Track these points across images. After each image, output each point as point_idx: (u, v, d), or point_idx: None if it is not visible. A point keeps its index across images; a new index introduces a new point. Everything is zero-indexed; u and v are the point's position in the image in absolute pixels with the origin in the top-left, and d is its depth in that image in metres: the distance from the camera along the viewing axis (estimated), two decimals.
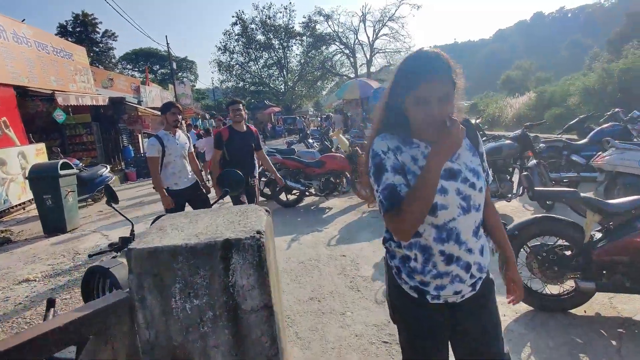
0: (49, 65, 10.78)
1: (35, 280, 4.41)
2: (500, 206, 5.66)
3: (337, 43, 34.29)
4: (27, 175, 6.20)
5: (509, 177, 5.28)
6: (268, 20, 36.33)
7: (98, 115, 14.07)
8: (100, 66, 36.45)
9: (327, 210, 6.71)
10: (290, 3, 43.58)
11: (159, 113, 16.37)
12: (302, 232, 5.41)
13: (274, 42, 37.31)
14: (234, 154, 4.27)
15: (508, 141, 5.26)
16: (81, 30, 47.23)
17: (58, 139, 13.31)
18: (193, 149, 4.43)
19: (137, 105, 16.20)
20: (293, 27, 36.67)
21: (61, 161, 6.29)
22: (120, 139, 15.14)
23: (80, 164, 8.63)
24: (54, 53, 11.21)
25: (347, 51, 34.13)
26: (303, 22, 35.81)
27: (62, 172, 6.15)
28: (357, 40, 33.47)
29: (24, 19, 9.88)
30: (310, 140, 12.79)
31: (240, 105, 4.37)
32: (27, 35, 9.83)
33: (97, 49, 48.38)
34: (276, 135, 29.41)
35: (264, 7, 36.29)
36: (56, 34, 39.90)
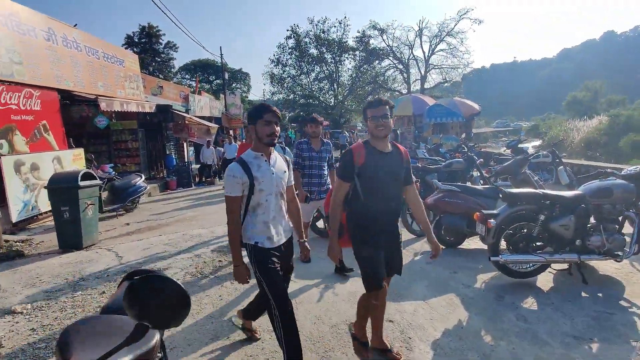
0: (98, 70, 10.75)
1: (22, 314, 3.75)
2: (605, 266, 4.31)
3: (390, 58, 33.26)
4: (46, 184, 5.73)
5: (618, 228, 3.95)
6: (322, 35, 36.20)
7: (146, 122, 14.07)
8: (160, 75, 38.12)
9: None
10: (345, 17, 43.24)
11: (206, 123, 16.20)
12: (339, 276, 4.40)
13: (326, 56, 37.09)
14: (373, 190, 2.57)
15: (620, 180, 3.95)
16: (146, 41, 50.19)
17: (105, 144, 13.44)
18: (294, 181, 2.79)
19: (184, 114, 16.14)
20: (346, 41, 36.29)
21: (83, 171, 5.79)
22: (167, 147, 15.07)
23: (113, 172, 8.28)
24: (104, 59, 11.21)
25: (400, 66, 32.96)
26: (357, 37, 35.29)
27: (82, 184, 5.63)
28: (411, 55, 32.26)
29: (75, 24, 9.91)
30: None
31: (387, 107, 2.53)
32: (78, 39, 9.81)
33: (159, 59, 51.12)
34: None
35: (318, 21, 36.24)
36: (123, 45, 42.54)
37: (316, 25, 36.23)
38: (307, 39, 36.77)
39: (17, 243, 6.13)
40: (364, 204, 2.58)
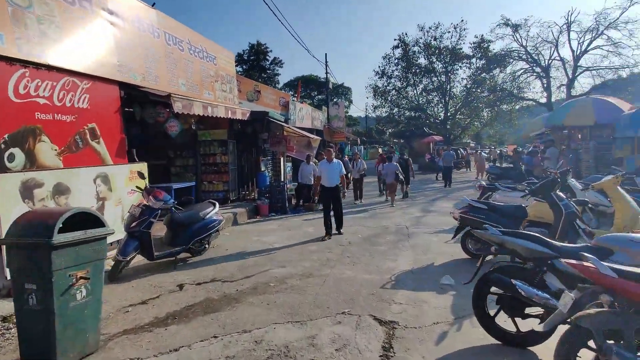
0: (181, 65, 8.52)
1: None
2: None
3: (524, 59, 27.34)
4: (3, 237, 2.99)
5: None
6: (433, 42, 32.06)
7: (238, 132, 11.77)
8: None
9: None
10: (462, 21, 38.16)
11: (308, 134, 13.27)
12: None
13: (436, 65, 32.77)
14: None
15: None
16: (254, 59, 51.86)
17: (192, 157, 11.41)
18: None
19: (282, 123, 13.58)
20: (461, 48, 31.54)
21: (71, 211, 2.92)
22: (262, 163, 12.63)
23: (173, 200, 5.63)
24: (190, 52, 9.01)
25: (538, 70, 26.83)
26: (474, 42, 30.35)
27: (61, 238, 2.76)
28: (554, 56, 25.94)
29: (154, 4, 7.77)
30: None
31: None
32: (154, 23, 7.63)
33: (265, 75, 52.13)
34: (435, 167, 24.47)
35: (430, 28, 32.19)
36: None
37: (427, 32, 32.27)
38: (415, 48, 33.02)
39: None
40: None
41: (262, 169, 12.51)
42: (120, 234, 5.55)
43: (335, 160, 7.90)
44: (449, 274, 4.95)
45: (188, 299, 4.28)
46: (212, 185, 11.12)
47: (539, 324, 2.99)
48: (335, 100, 35.07)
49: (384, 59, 34.34)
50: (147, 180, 6.25)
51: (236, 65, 39.25)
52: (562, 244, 3.16)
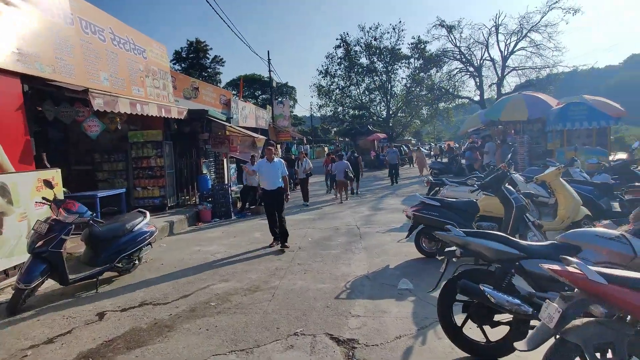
0: (102, 57, 7.52)
1: None
2: None
3: (459, 59, 28.63)
4: None
5: None
6: (373, 42, 32.68)
7: (175, 133, 10.84)
8: None
9: None
10: (400, 22, 39.30)
11: (252, 133, 12.43)
12: None
13: (377, 65, 33.46)
14: None
15: None
16: (194, 56, 49.51)
17: (122, 161, 10.30)
18: None
19: (225, 123, 12.79)
20: (400, 48, 32.46)
21: None
22: (204, 165, 11.77)
23: (90, 213, 4.80)
24: (114, 43, 8.01)
25: (471, 69, 28.22)
26: (412, 43, 31.36)
27: None
28: (485, 56, 27.42)
29: None
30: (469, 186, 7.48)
31: None
32: (66, 7, 6.61)
33: (205, 74, 49.99)
34: (380, 165, 24.96)
35: (370, 28, 32.76)
36: (171, 60, 41.22)
37: (367, 32, 32.83)
38: (357, 48, 33.47)
39: None
40: None
41: (204, 172, 11.67)
42: (24, 256, 4.62)
43: (276, 159, 6.95)
44: (405, 277, 4.68)
45: (109, 332, 3.57)
46: (146, 192, 10.10)
47: (509, 332, 2.75)
48: (280, 99, 34.49)
49: (327, 58, 34.48)
50: (59, 189, 5.33)
51: (174, 64, 37.19)
52: (528, 243, 2.96)
